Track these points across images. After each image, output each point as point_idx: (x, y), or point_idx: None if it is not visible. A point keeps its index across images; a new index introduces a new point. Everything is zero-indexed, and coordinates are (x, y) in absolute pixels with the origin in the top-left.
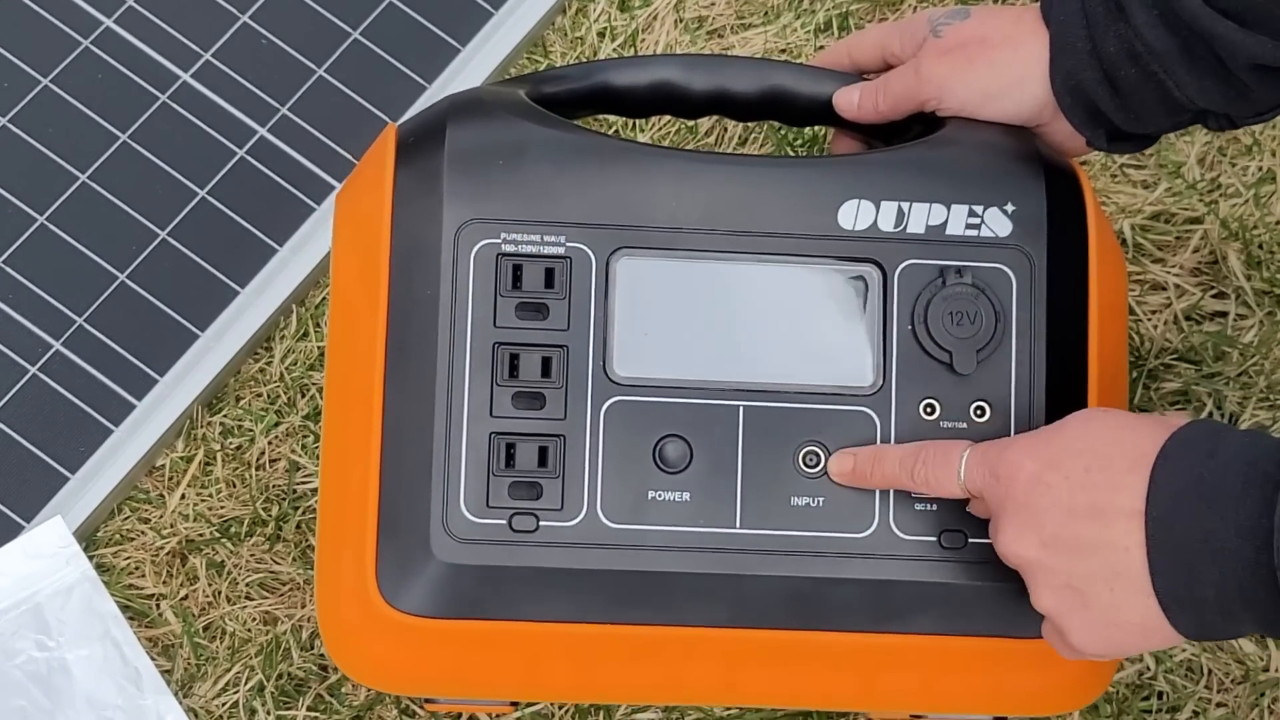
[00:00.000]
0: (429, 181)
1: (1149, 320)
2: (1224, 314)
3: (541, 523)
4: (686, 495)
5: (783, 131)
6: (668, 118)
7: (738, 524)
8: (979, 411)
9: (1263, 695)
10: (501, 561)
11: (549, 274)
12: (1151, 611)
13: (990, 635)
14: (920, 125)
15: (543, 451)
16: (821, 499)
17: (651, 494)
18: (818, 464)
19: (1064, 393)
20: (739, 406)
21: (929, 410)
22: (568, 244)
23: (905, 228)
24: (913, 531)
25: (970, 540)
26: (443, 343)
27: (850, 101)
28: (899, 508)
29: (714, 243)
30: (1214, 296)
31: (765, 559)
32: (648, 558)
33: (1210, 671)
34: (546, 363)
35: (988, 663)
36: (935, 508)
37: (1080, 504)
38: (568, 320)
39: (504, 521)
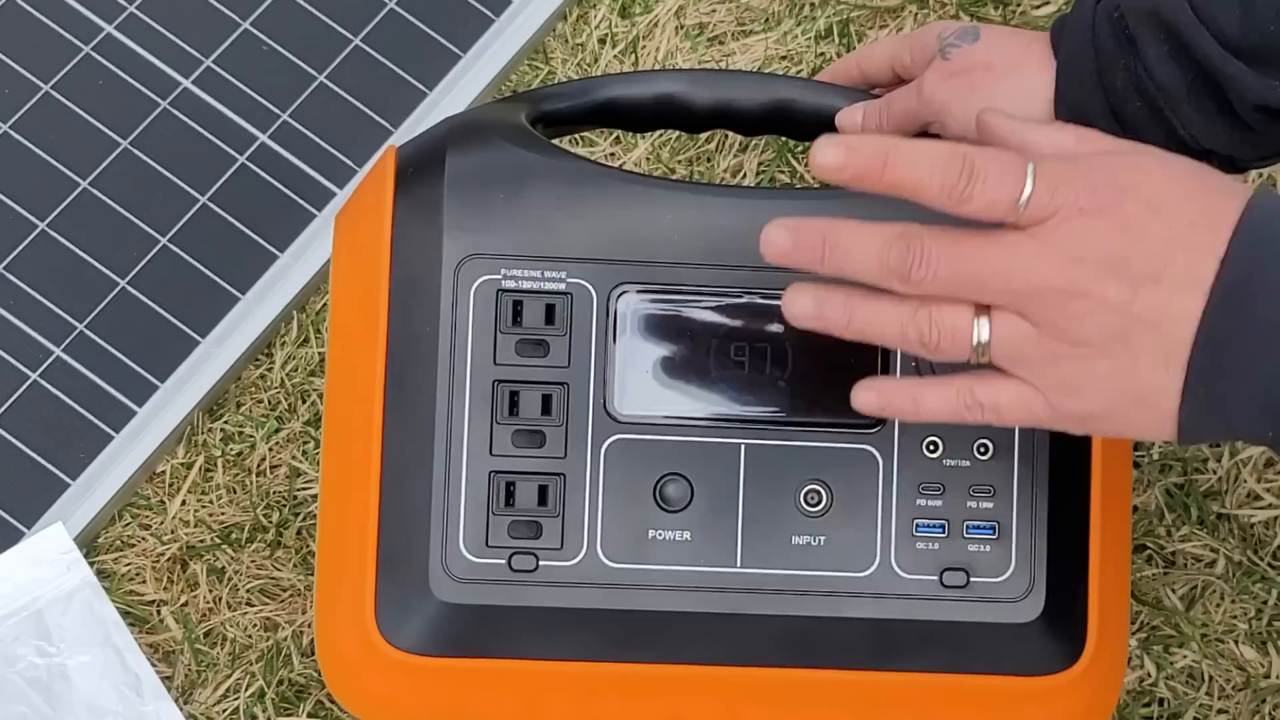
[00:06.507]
0: (428, 215)
1: None
2: None
3: (541, 562)
4: (687, 534)
5: (784, 139)
6: None
7: (738, 563)
8: (982, 449)
9: (1264, 702)
10: (501, 601)
11: (550, 310)
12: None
13: (992, 673)
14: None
15: (542, 490)
16: (823, 538)
17: (652, 533)
18: (819, 502)
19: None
20: (740, 445)
21: (932, 448)
22: (569, 279)
23: None
24: (914, 570)
25: (972, 579)
26: (442, 380)
27: (854, 122)
28: (900, 546)
29: (717, 278)
30: None
31: (766, 598)
32: (648, 597)
33: (1211, 678)
34: (547, 400)
35: (989, 701)
36: (937, 547)
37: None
38: (568, 357)
39: (503, 561)
